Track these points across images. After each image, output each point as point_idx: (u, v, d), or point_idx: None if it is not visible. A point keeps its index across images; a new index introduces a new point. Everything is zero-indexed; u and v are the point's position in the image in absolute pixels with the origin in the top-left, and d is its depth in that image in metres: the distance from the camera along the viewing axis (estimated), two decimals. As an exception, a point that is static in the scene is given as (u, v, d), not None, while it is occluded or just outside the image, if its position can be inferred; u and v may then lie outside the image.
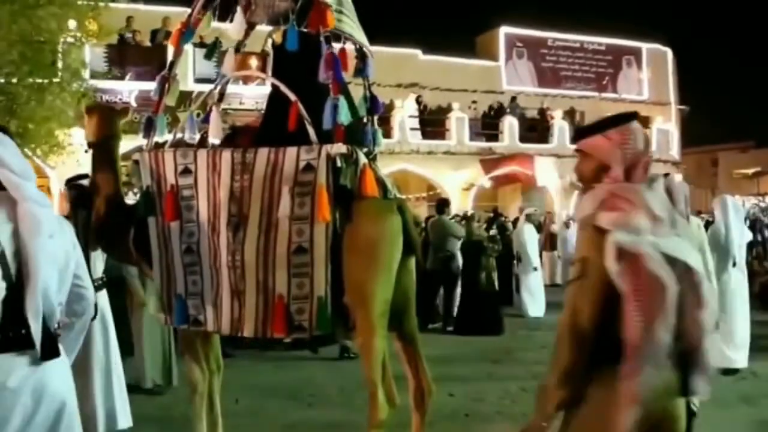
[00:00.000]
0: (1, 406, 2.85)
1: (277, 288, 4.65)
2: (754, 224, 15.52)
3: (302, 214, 4.62)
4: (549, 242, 19.47)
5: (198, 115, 5.80)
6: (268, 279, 4.68)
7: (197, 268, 4.92)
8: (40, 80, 14.47)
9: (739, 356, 8.76)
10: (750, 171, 32.05)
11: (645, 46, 33.51)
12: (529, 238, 14.57)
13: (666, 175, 3.01)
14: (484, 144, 27.11)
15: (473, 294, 12.30)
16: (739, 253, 9.02)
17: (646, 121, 27.32)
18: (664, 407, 2.79)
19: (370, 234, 4.68)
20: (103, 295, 6.03)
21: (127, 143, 6.34)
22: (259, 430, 6.65)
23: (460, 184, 25.96)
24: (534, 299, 14.36)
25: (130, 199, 6.61)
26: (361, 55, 5.50)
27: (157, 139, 5.33)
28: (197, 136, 5.70)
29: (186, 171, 4.94)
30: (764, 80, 60.56)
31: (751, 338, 9.02)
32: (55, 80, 14.82)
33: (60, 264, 3.03)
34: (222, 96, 5.74)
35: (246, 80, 18.47)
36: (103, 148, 5.33)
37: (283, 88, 4.89)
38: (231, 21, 5.40)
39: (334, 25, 4.91)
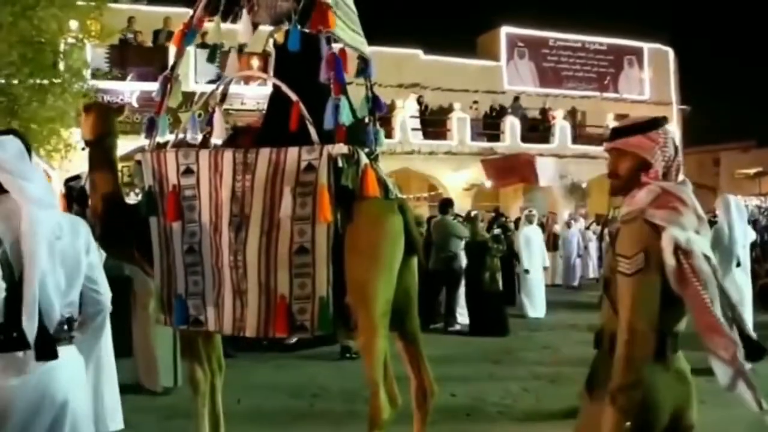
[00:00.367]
0: (1, 405, 2.88)
1: (278, 288, 4.66)
2: (754, 225, 15.50)
3: (304, 214, 4.62)
4: (551, 242, 19.47)
5: (200, 115, 5.80)
6: (269, 279, 4.68)
7: (199, 268, 4.92)
8: (41, 81, 14.49)
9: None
10: (752, 171, 31.97)
11: (646, 46, 33.50)
12: (524, 238, 14.59)
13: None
14: (485, 144, 27.10)
15: (478, 295, 12.30)
16: (743, 253, 9.00)
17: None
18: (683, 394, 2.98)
19: (371, 234, 4.68)
20: None
21: (128, 144, 6.35)
22: (261, 430, 6.66)
23: (462, 185, 25.97)
24: (532, 300, 14.35)
25: (131, 199, 6.63)
26: (362, 56, 5.51)
27: (159, 139, 5.35)
28: (199, 137, 5.71)
29: (188, 171, 4.95)
30: (766, 80, 60.52)
31: (752, 339, 9.00)
32: (57, 81, 14.83)
33: (69, 265, 3.07)
34: (224, 96, 5.76)
35: (247, 81, 18.50)
36: (100, 147, 5.30)
37: (284, 88, 4.90)
38: (233, 22, 5.42)
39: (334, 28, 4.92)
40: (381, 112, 5.60)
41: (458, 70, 28.72)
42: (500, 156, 26.00)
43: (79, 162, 13.29)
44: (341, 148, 4.63)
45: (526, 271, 14.39)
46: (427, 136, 26.21)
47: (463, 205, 21.80)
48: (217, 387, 5.44)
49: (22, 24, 13.59)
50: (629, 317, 2.83)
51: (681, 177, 3.07)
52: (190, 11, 5.50)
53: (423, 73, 27.80)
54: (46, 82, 14.60)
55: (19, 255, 2.91)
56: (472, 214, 13.95)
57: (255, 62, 16.24)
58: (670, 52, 34.12)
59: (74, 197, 5.84)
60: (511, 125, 27.31)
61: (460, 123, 26.52)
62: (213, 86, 5.70)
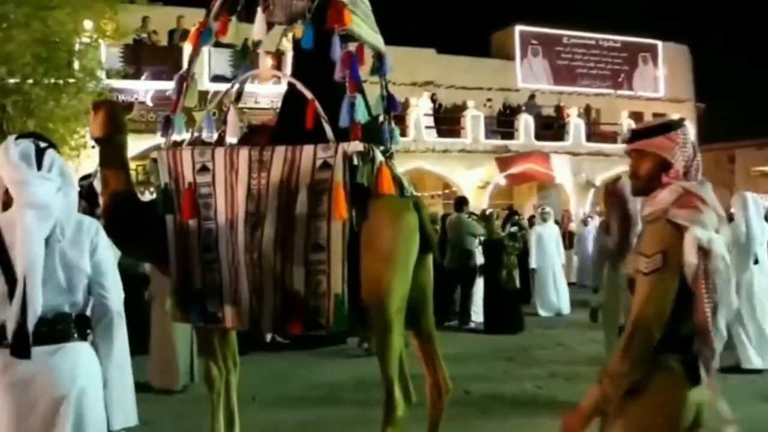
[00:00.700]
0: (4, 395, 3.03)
1: (294, 285, 4.68)
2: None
3: (319, 211, 4.64)
4: (568, 241, 19.38)
5: (214, 114, 5.82)
6: (285, 276, 4.70)
7: (215, 265, 4.95)
8: (55, 81, 14.56)
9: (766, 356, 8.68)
10: (767, 168, 31.79)
11: (661, 43, 33.36)
12: (536, 236, 14.58)
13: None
14: (499, 142, 26.99)
15: (495, 292, 12.31)
16: (761, 250, 8.92)
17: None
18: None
19: (386, 231, 4.69)
20: None
21: (144, 142, 6.38)
22: (276, 427, 6.66)
23: (476, 182, 25.91)
24: (543, 299, 14.36)
25: (146, 197, 6.66)
26: (378, 54, 5.52)
27: (175, 137, 5.37)
28: (215, 135, 5.73)
29: (204, 169, 4.97)
30: (781, 77, 60.01)
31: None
32: (71, 81, 14.90)
33: (70, 266, 3.16)
34: (239, 95, 5.78)
35: (261, 79, 18.54)
36: (110, 144, 5.26)
37: (299, 86, 4.91)
38: (243, 19, 5.43)
39: (350, 25, 4.93)
40: (396, 111, 5.61)
41: (472, 68, 28.67)
42: (514, 154, 25.95)
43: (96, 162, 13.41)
44: (357, 146, 4.65)
45: (533, 270, 14.40)
46: (441, 134, 26.13)
47: (477, 203, 21.79)
48: (232, 384, 5.46)
49: (34, 24, 13.66)
50: (638, 312, 2.91)
51: (700, 177, 3.10)
52: (204, 11, 5.53)
53: (437, 72, 27.78)
54: (60, 81, 14.68)
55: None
56: (488, 212, 13.95)
57: (269, 61, 16.26)
58: (685, 49, 33.96)
59: (81, 195, 5.87)
60: (525, 123, 27.19)
61: (474, 121, 26.44)
62: (227, 85, 5.71)
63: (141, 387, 6.53)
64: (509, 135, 27.41)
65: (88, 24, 15.66)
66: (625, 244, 6.56)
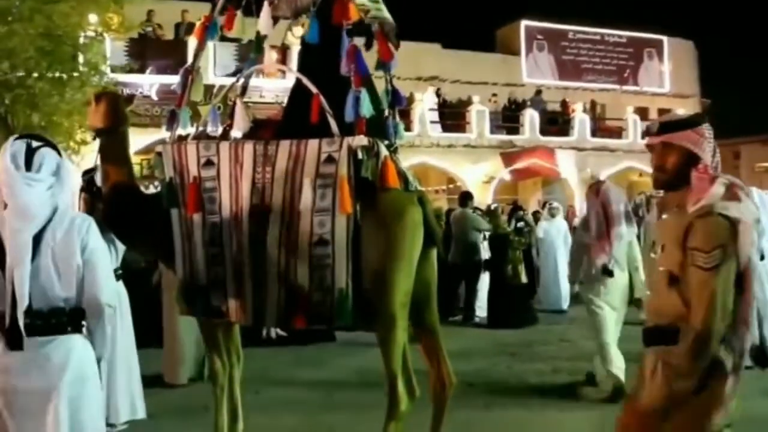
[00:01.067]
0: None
1: (298, 279, 4.68)
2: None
3: (324, 206, 4.64)
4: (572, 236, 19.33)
5: (219, 108, 5.81)
6: (289, 270, 4.70)
7: (220, 259, 4.95)
8: (59, 74, 14.56)
9: None
10: (772, 164, 31.76)
11: (667, 39, 33.28)
12: (541, 232, 14.56)
13: None
14: (504, 137, 26.98)
15: (500, 287, 12.31)
16: None
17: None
18: None
19: (391, 226, 4.68)
20: (120, 286, 5.98)
21: (149, 136, 6.38)
22: (279, 420, 6.67)
23: (480, 177, 25.90)
24: (548, 294, 14.35)
25: (150, 190, 6.64)
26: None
27: (180, 131, 5.36)
28: (219, 130, 5.72)
29: (209, 163, 4.97)
30: (787, 72, 59.80)
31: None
32: (75, 74, 14.90)
33: (61, 264, 3.29)
34: (245, 89, 5.77)
35: (266, 74, 18.56)
36: (112, 136, 5.22)
37: (305, 80, 4.91)
38: (248, 13, 5.42)
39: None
40: (401, 106, 5.59)
41: (477, 63, 28.67)
42: (519, 149, 25.93)
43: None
44: (361, 140, 4.64)
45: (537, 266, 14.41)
46: (445, 129, 26.15)
47: (481, 198, 21.77)
48: (236, 378, 5.45)
49: (39, 18, 13.66)
50: (707, 314, 2.88)
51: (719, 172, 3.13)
52: (209, 4, 5.52)
53: (442, 66, 27.77)
54: (64, 75, 14.68)
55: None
56: (493, 207, 13.93)
57: (273, 55, 16.25)
58: (691, 45, 33.87)
59: (83, 189, 5.86)
60: (531, 118, 27.17)
61: (479, 116, 26.43)
62: (232, 79, 5.71)
63: (150, 380, 6.57)
64: (514, 130, 27.39)
65: (92, 17, 15.65)
66: (603, 242, 7.18)
